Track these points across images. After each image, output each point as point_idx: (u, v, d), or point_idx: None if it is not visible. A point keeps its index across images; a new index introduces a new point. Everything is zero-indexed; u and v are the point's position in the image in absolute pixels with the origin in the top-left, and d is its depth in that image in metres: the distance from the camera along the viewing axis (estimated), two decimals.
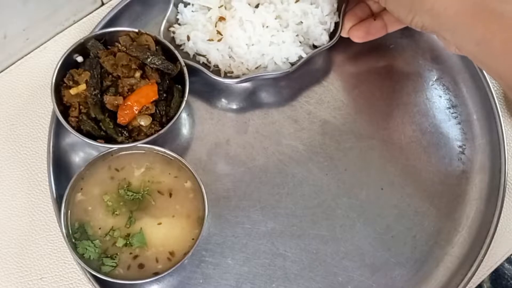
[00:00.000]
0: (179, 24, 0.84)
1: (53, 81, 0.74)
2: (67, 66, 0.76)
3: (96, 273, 0.67)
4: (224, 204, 0.78)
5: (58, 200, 0.75)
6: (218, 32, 0.81)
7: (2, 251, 0.76)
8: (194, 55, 0.84)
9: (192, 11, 0.83)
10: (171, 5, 0.83)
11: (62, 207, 0.69)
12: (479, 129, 0.84)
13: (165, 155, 0.73)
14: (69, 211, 0.70)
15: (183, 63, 0.77)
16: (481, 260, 0.75)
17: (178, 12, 0.84)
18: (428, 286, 0.76)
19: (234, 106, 0.85)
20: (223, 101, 0.85)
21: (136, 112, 0.74)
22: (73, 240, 0.69)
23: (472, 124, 0.85)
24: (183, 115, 0.83)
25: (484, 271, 0.78)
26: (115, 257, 0.69)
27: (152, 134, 0.74)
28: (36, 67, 0.86)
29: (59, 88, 0.76)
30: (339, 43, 0.82)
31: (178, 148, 0.81)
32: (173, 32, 0.84)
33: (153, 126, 0.75)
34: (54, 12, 0.84)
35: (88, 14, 0.90)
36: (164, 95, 0.77)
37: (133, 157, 0.73)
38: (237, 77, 0.81)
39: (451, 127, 0.83)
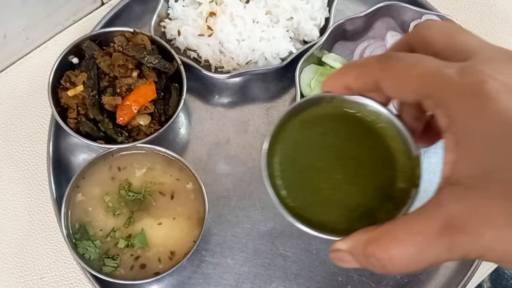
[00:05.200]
0: (170, 19, 0.84)
1: (50, 83, 0.74)
2: (64, 67, 0.76)
3: (97, 274, 0.67)
4: (224, 204, 0.78)
5: (58, 200, 0.75)
6: (209, 27, 0.81)
7: (2, 251, 0.76)
8: (184, 50, 0.84)
9: (183, 5, 0.84)
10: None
11: (62, 207, 0.69)
12: None
13: (166, 155, 0.73)
14: (69, 211, 0.70)
15: (179, 62, 0.77)
16: (481, 260, 0.75)
17: (169, 7, 0.85)
18: (428, 286, 0.76)
19: (232, 104, 0.85)
20: (217, 97, 0.85)
21: (135, 111, 0.74)
22: (74, 241, 0.69)
23: None
24: (182, 115, 0.83)
25: (484, 271, 0.78)
26: (117, 258, 0.69)
27: (151, 133, 0.74)
28: (36, 67, 0.86)
29: (56, 90, 0.76)
30: None
31: (178, 148, 0.81)
32: (164, 27, 0.84)
33: (152, 125, 0.75)
34: (54, 12, 0.84)
35: (88, 14, 0.90)
36: (162, 94, 0.77)
37: (134, 158, 0.73)
38: (228, 72, 0.81)
39: None
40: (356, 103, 0.53)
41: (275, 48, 0.81)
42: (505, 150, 0.32)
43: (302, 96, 0.78)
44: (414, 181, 0.52)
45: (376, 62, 0.40)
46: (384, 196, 0.53)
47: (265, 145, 0.53)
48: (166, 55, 0.78)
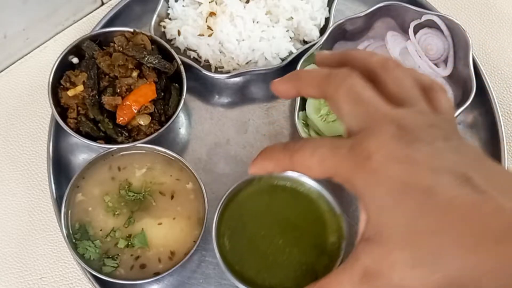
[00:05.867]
0: (170, 19, 0.85)
1: (50, 83, 0.74)
2: (64, 67, 0.76)
3: (97, 274, 0.67)
4: None
5: (58, 200, 0.75)
6: (209, 27, 0.81)
7: (2, 251, 0.76)
8: (184, 49, 0.84)
9: (183, 5, 0.84)
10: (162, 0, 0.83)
11: (62, 207, 0.69)
12: (479, 129, 0.84)
13: (166, 155, 0.73)
14: (69, 211, 0.70)
15: (179, 62, 0.77)
16: None
17: (169, 7, 0.85)
18: None
19: (232, 104, 0.85)
20: (217, 97, 0.85)
21: (135, 111, 0.74)
22: (74, 241, 0.69)
23: (471, 123, 0.85)
24: (182, 115, 0.83)
25: None
26: (117, 257, 0.69)
27: (151, 133, 0.74)
28: (36, 67, 0.86)
29: (56, 90, 0.76)
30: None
31: (178, 148, 0.81)
32: (164, 27, 0.84)
33: (152, 125, 0.75)
34: (54, 12, 0.84)
35: (88, 14, 0.90)
36: (162, 94, 0.77)
37: (134, 158, 0.73)
38: (228, 72, 0.81)
39: None
40: (282, 177, 0.67)
41: (275, 48, 0.81)
42: (394, 210, 0.41)
43: (302, 96, 0.78)
44: (342, 234, 0.65)
45: (282, 154, 0.47)
46: (320, 252, 0.64)
47: (214, 231, 0.65)
48: (166, 55, 0.78)
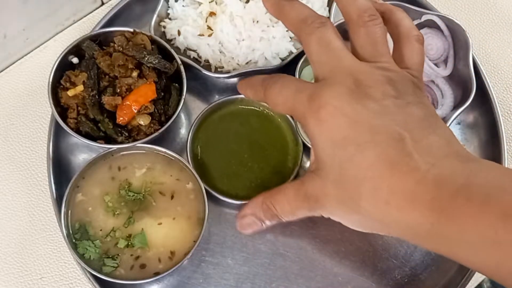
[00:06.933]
0: (170, 19, 0.85)
1: (50, 83, 0.74)
2: (64, 67, 0.76)
3: (97, 274, 0.67)
4: (224, 203, 0.78)
5: (58, 200, 0.75)
6: (209, 27, 0.81)
7: (2, 251, 0.76)
8: (184, 49, 0.84)
9: (183, 5, 0.84)
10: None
11: (62, 207, 0.69)
12: (479, 129, 0.84)
13: (166, 155, 0.73)
14: (69, 211, 0.70)
15: (179, 62, 0.77)
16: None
17: (169, 7, 0.85)
18: (428, 286, 0.76)
19: None
20: (217, 97, 0.84)
21: (135, 111, 0.74)
22: (74, 241, 0.69)
23: (471, 123, 0.85)
24: (182, 115, 0.83)
25: None
26: (117, 257, 0.69)
27: (151, 133, 0.74)
28: (36, 67, 0.86)
29: (56, 90, 0.76)
30: None
31: (178, 148, 0.81)
32: (164, 27, 0.84)
33: (152, 125, 0.75)
34: (54, 11, 0.84)
35: (88, 14, 0.90)
36: (162, 94, 0.77)
37: (134, 158, 0.73)
38: (228, 72, 0.81)
39: (451, 127, 0.83)
40: (260, 104, 0.77)
41: (275, 48, 0.81)
42: (332, 155, 0.49)
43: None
44: (297, 162, 0.74)
45: (260, 87, 0.55)
46: (276, 172, 0.74)
47: (190, 136, 0.74)
48: (166, 55, 0.78)
